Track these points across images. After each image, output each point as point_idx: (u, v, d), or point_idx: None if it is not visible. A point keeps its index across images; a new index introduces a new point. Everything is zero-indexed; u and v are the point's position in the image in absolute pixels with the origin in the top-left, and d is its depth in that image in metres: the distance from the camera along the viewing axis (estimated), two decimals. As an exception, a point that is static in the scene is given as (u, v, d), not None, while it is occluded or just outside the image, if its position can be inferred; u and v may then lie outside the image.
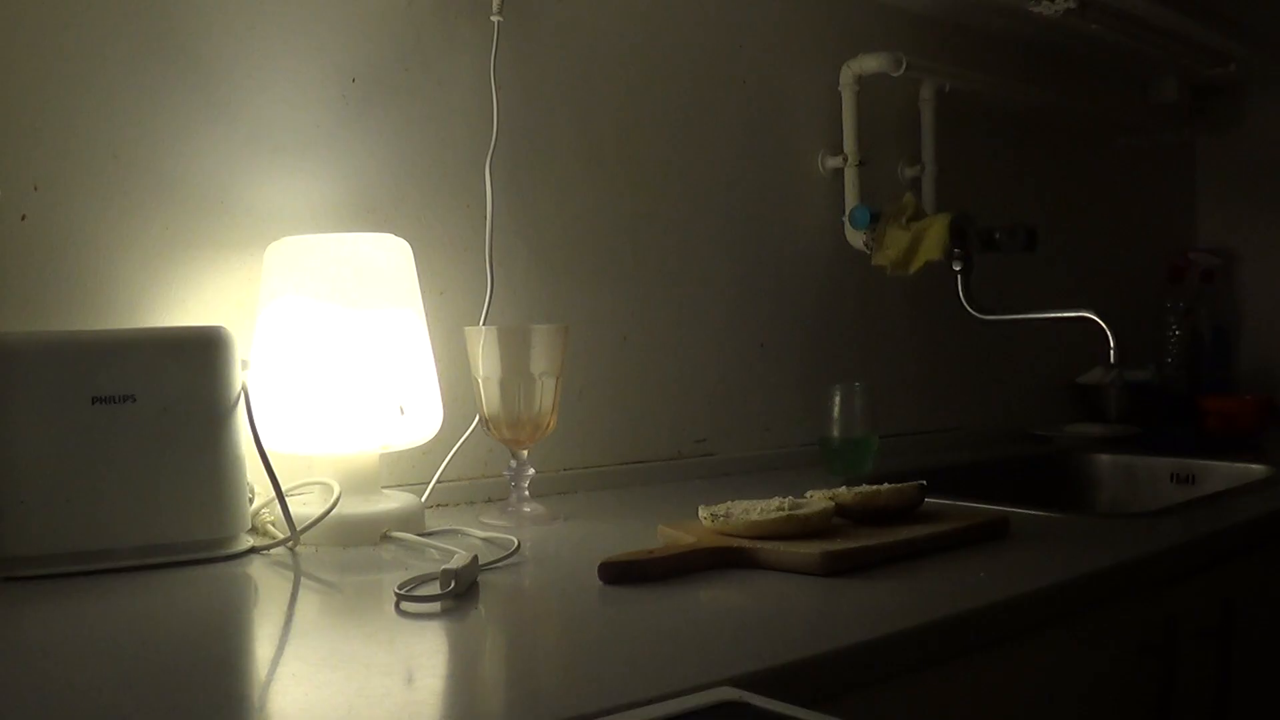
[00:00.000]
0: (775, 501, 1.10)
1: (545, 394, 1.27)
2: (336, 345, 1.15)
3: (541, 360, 1.26)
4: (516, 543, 1.08)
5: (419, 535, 1.16)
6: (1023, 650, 0.96)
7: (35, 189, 1.14)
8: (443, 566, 0.92)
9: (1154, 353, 2.49)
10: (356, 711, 0.67)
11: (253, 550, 1.10)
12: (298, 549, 1.11)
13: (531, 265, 1.50)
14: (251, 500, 1.14)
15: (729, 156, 1.74)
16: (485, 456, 1.42)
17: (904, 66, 1.82)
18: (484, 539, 1.13)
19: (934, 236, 1.77)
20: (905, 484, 1.17)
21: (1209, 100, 2.58)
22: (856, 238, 1.85)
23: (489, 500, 1.40)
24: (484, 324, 1.39)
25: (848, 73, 1.85)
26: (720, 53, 1.73)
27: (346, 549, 1.12)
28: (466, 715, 0.72)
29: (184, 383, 1.06)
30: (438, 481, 1.36)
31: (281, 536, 1.11)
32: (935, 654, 0.86)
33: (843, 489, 1.17)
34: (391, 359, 1.18)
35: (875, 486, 1.17)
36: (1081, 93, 2.31)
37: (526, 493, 1.29)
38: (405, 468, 1.35)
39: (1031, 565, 1.06)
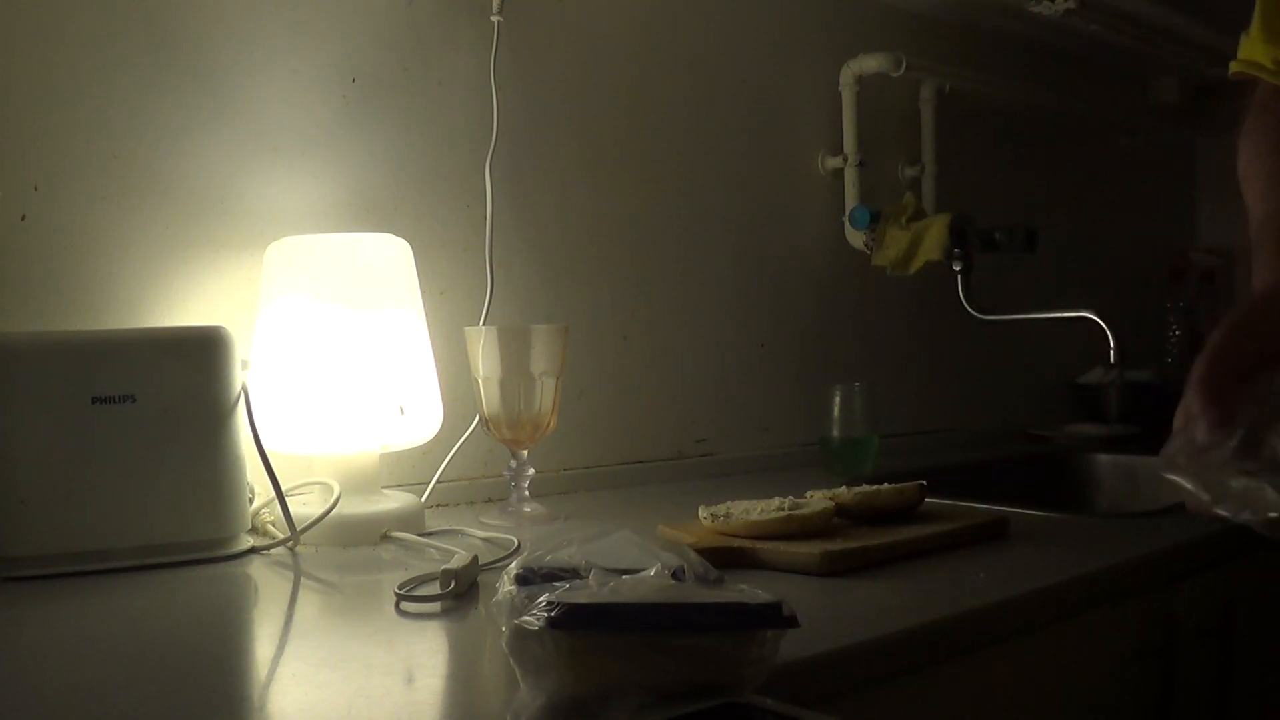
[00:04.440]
0: (775, 501, 1.10)
1: (545, 394, 1.27)
2: (336, 345, 1.15)
3: (541, 360, 1.26)
4: (516, 543, 1.08)
5: (419, 535, 1.16)
6: (1023, 650, 0.96)
7: (35, 189, 1.14)
8: (443, 566, 0.93)
9: (1154, 353, 2.49)
10: (356, 711, 0.67)
11: (253, 550, 1.10)
12: (298, 549, 1.11)
13: (531, 265, 1.50)
14: (251, 500, 1.14)
15: (729, 156, 1.74)
16: (485, 456, 1.42)
17: (904, 66, 1.82)
18: (484, 539, 1.13)
19: (934, 236, 1.77)
20: (905, 484, 1.17)
21: (1209, 100, 2.58)
22: (856, 238, 1.85)
23: (489, 500, 1.40)
24: (484, 324, 1.39)
25: (848, 73, 1.85)
26: (720, 52, 1.73)
27: (346, 549, 1.12)
28: (466, 715, 0.72)
29: (184, 383, 1.06)
30: (438, 481, 1.36)
31: (281, 536, 1.11)
32: (935, 654, 0.86)
33: (843, 489, 1.17)
34: (391, 359, 1.18)
35: (875, 486, 1.17)
36: (1081, 93, 2.31)
37: (526, 493, 1.29)
38: (405, 468, 1.35)
39: (1031, 565, 1.06)
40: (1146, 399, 2.22)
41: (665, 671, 0.62)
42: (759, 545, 1.02)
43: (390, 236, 1.23)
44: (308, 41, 1.31)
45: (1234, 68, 1.00)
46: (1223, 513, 0.73)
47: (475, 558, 0.96)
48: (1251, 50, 0.96)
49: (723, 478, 1.63)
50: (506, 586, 0.67)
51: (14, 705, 0.69)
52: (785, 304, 1.82)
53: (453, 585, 0.90)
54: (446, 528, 1.19)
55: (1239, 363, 0.74)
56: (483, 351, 1.26)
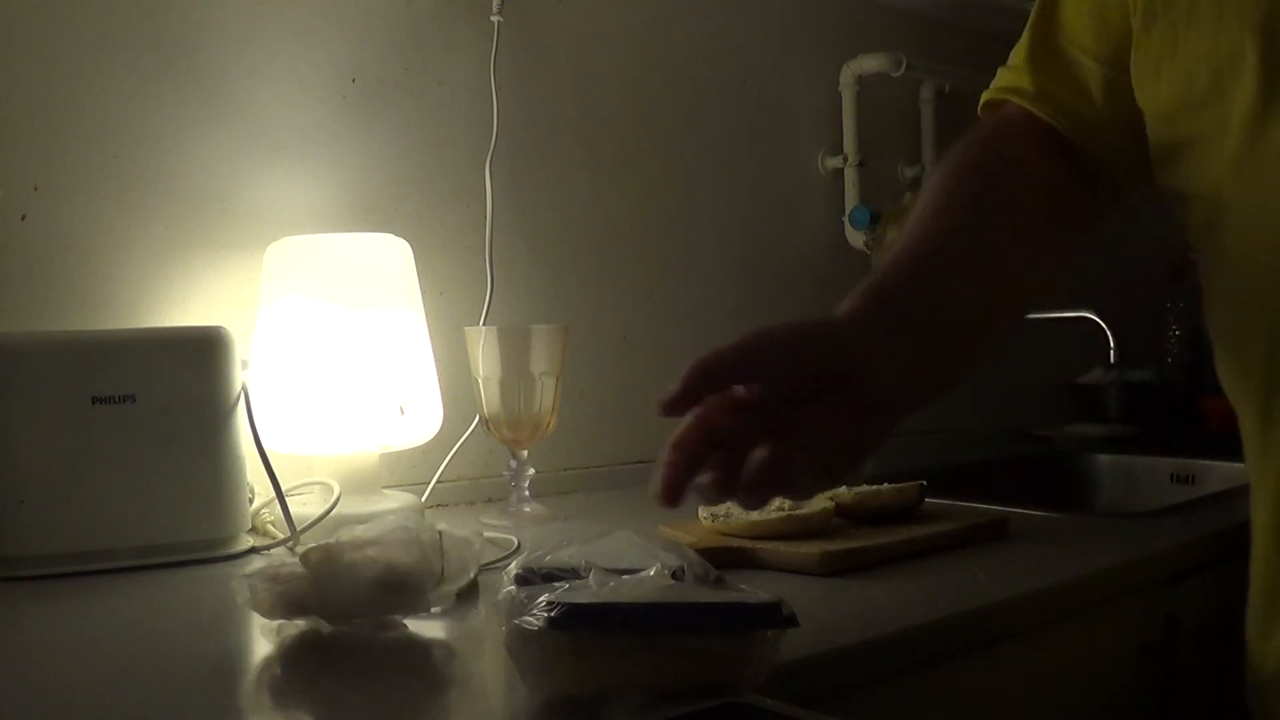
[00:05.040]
0: (775, 501, 1.10)
1: (545, 394, 1.27)
2: (336, 345, 1.15)
3: (541, 360, 1.26)
4: (516, 543, 1.08)
5: (419, 535, 1.15)
6: (1023, 650, 0.96)
7: (35, 189, 1.14)
8: (443, 566, 0.92)
9: (1154, 353, 2.49)
10: (356, 711, 0.67)
11: (253, 550, 1.10)
12: (298, 549, 1.11)
13: (531, 265, 1.50)
14: (251, 500, 1.14)
15: (729, 156, 1.74)
16: (485, 456, 1.42)
17: (904, 66, 1.82)
18: (484, 539, 1.13)
19: (934, 236, 1.77)
20: (905, 484, 1.17)
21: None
22: (856, 238, 1.85)
23: (489, 500, 1.40)
24: (484, 324, 1.39)
25: (848, 73, 1.85)
26: (720, 53, 1.73)
27: (346, 549, 1.12)
28: (466, 715, 0.72)
29: (184, 383, 1.06)
30: (438, 481, 1.36)
31: (281, 536, 1.11)
32: (935, 654, 0.86)
33: (843, 489, 1.17)
34: (391, 359, 1.18)
35: (875, 486, 1.17)
36: (1081, 93, 2.31)
37: (527, 493, 1.29)
38: (405, 468, 1.35)
39: (1031, 565, 1.06)
40: (1146, 399, 2.22)
41: (665, 671, 0.62)
42: (759, 545, 1.02)
43: (390, 236, 1.23)
44: (308, 41, 1.31)
45: (987, 97, 1.01)
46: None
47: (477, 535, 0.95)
48: (1017, 79, 0.98)
49: (723, 478, 1.62)
50: (506, 586, 0.67)
51: (14, 705, 0.69)
52: (785, 304, 1.82)
53: (453, 585, 0.90)
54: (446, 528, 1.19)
55: (731, 364, 0.77)
56: (483, 351, 1.26)
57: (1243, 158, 0.83)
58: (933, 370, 0.80)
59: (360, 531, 0.78)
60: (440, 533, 0.80)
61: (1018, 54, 1.00)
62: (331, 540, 0.76)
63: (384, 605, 0.75)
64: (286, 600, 0.77)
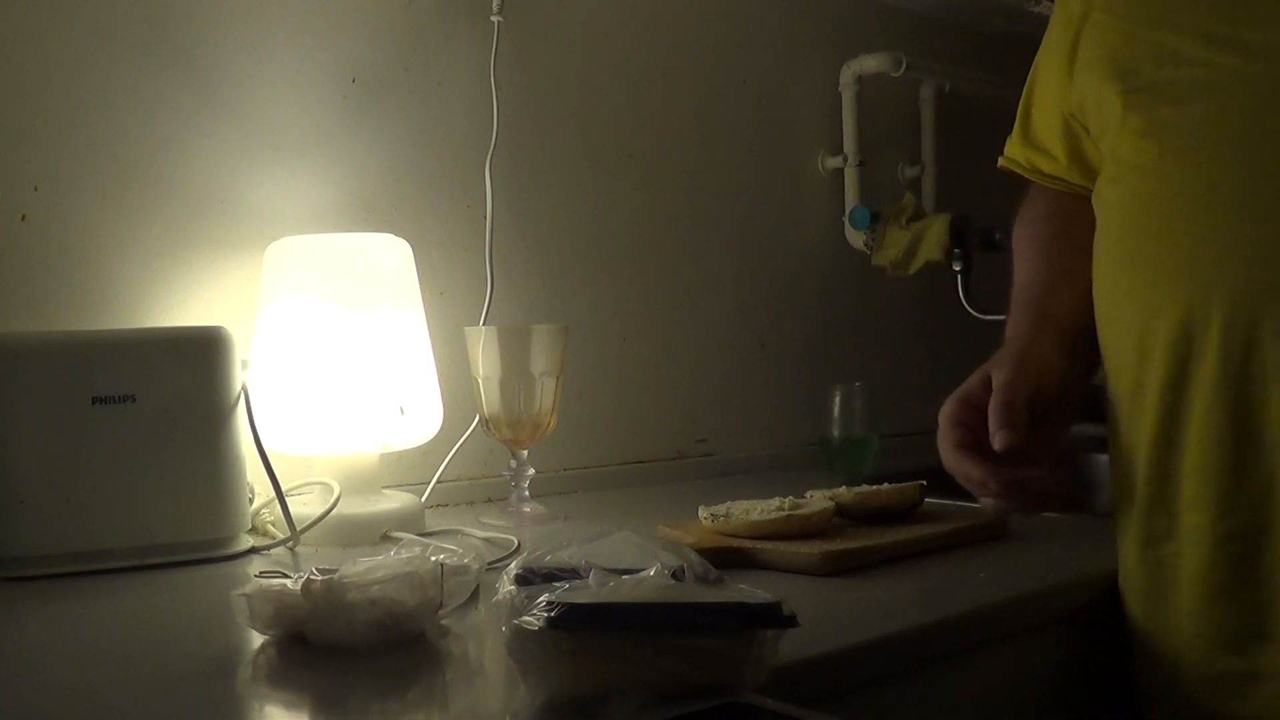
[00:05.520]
0: (775, 501, 1.10)
1: (545, 394, 1.27)
2: (336, 345, 1.15)
3: (541, 360, 1.26)
4: (516, 543, 1.08)
5: (419, 535, 1.15)
6: (1023, 650, 0.96)
7: (35, 189, 1.14)
8: (443, 566, 0.92)
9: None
10: (356, 712, 0.67)
11: (253, 550, 1.10)
12: (298, 549, 1.11)
13: (531, 265, 1.50)
14: (251, 500, 1.14)
15: (729, 156, 1.74)
16: (485, 456, 1.42)
17: (904, 66, 1.82)
18: (484, 539, 1.13)
19: (934, 236, 1.77)
20: (905, 484, 1.17)
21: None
22: (856, 238, 1.85)
23: (489, 500, 1.40)
24: (484, 324, 1.39)
25: (848, 73, 1.85)
26: (720, 53, 1.73)
27: (346, 549, 1.12)
28: (466, 715, 0.72)
29: (184, 383, 1.06)
30: (438, 481, 1.36)
31: (281, 536, 1.11)
32: (936, 653, 0.86)
33: (843, 489, 1.17)
34: (391, 359, 1.18)
35: (875, 486, 1.17)
36: (1081, 93, 2.31)
37: (527, 493, 1.29)
38: (405, 468, 1.35)
39: (1031, 565, 1.06)
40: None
41: (665, 671, 0.62)
42: (759, 545, 1.02)
43: (390, 236, 1.23)
44: (308, 41, 1.31)
45: (1000, 163, 1.20)
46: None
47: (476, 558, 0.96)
48: (1012, 149, 1.17)
49: (723, 478, 1.63)
50: (506, 586, 0.67)
51: (14, 705, 0.69)
52: (785, 304, 1.82)
53: (453, 585, 0.90)
54: (446, 528, 1.19)
55: (1025, 392, 0.96)
56: (483, 351, 1.26)
57: (1110, 173, 0.99)
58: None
59: (364, 569, 0.78)
60: (442, 565, 0.80)
61: (1016, 127, 1.16)
62: (335, 576, 0.76)
63: (379, 644, 0.76)
64: (283, 622, 0.78)
